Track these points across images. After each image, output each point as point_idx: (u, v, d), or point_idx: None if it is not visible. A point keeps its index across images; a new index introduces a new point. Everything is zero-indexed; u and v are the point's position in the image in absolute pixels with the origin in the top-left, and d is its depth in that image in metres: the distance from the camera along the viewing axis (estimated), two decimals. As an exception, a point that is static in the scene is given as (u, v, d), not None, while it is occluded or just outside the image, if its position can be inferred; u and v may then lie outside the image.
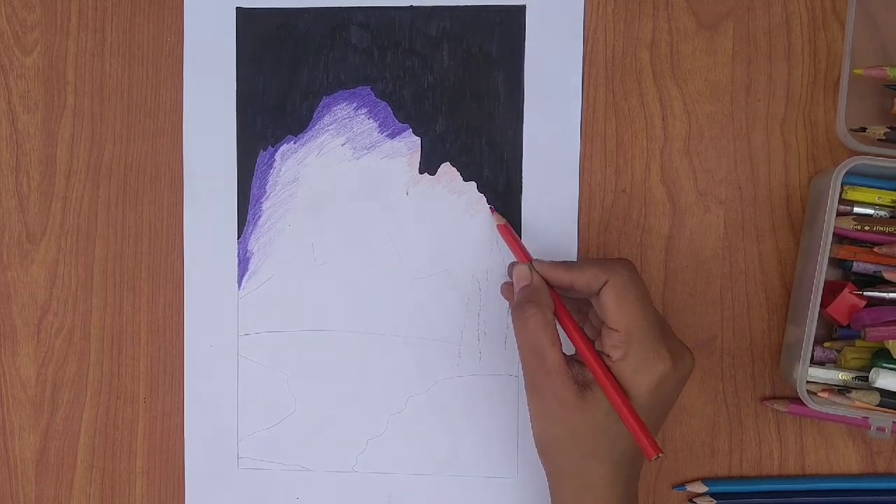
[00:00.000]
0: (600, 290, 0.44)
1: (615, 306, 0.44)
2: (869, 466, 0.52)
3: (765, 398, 0.52)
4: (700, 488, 0.52)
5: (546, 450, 0.47)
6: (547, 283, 0.47)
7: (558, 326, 0.46)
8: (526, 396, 0.47)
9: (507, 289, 0.50)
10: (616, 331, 0.44)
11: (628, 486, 0.46)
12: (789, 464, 0.52)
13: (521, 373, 0.53)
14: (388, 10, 0.53)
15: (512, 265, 0.49)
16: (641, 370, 0.43)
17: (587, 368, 0.45)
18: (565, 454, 0.45)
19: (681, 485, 0.52)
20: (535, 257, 0.49)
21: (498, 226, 0.51)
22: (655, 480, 0.53)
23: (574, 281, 0.46)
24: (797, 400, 0.51)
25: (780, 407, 0.51)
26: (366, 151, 0.53)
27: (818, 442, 0.52)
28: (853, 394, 0.48)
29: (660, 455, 0.42)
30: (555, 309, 0.46)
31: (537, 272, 0.47)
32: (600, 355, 0.45)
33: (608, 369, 0.44)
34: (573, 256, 0.52)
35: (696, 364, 0.52)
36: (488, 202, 0.53)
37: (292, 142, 0.54)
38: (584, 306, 0.49)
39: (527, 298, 0.46)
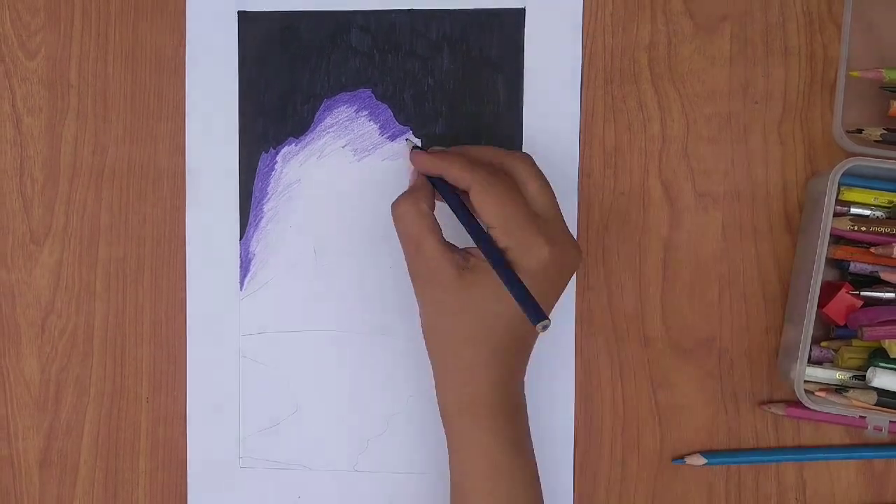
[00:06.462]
0: (470, 190, 0.47)
1: (482, 207, 0.46)
2: (866, 469, 0.52)
3: (762, 402, 0.53)
4: (699, 461, 0.52)
5: (431, 337, 0.49)
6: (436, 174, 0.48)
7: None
8: (413, 288, 0.48)
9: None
10: (492, 227, 0.46)
11: (510, 374, 0.48)
12: (787, 466, 0.53)
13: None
14: (388, 14, 0.53)
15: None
16: (523, 257, 0.45)
17: (470, 255, 0.47)
18: (447, 339, 0.48)
19: (680, 457, 0.53)
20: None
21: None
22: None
23: (444, 173, 0.48)
24: (795, 403, 0.51)
25: (777, 410, 0.52)
26: (367, 153, 0.54)
27: (815, 444, 0.52)
28: (850, 393, 0.48)
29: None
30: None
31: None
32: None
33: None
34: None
35: (695, 364, 0.52)
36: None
37: (294, 144, 0.54)
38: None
39: (404, 194, 0.48)
